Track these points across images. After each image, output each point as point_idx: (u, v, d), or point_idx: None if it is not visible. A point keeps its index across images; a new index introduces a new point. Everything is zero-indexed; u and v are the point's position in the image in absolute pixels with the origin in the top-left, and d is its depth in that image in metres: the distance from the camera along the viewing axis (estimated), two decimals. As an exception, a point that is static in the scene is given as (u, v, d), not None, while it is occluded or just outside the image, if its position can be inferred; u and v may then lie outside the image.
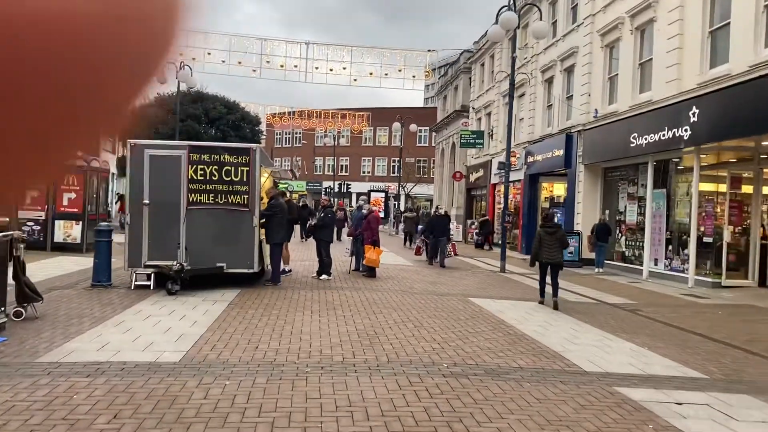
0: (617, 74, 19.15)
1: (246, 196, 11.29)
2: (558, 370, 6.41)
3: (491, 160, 31.43)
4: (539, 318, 9.80)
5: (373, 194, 43.83)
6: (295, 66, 24.83)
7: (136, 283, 11.06)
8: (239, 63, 24.56)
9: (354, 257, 15.19)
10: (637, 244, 18.32)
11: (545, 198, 25.67)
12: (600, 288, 14.61)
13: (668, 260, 16.63)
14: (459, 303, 10.86)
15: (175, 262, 10.46)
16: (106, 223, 12.09)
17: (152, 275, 11.04)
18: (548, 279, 11.26)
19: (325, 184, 65.52)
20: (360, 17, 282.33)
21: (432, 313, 9.55)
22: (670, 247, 16.61)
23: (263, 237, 12.02)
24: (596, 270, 18.45)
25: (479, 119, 35.15)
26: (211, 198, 11.24)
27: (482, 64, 35.00)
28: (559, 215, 24.18)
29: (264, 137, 72.75)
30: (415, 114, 53.49)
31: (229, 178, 11.27)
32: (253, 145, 11.52)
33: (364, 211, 14.86)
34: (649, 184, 17.29)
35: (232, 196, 11.29)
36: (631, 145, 17.31)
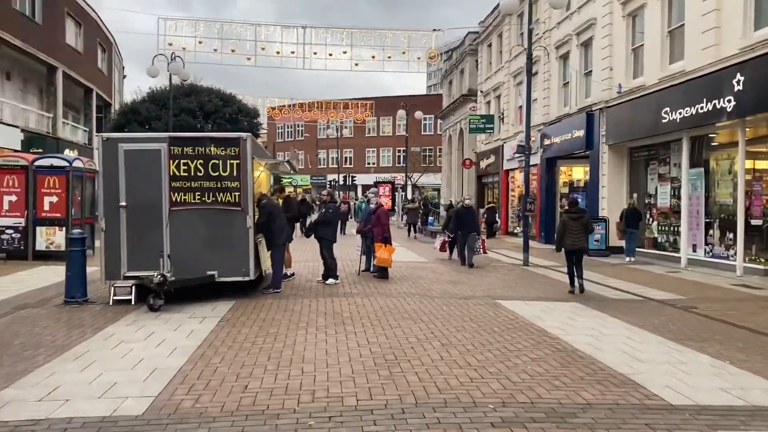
0: (642, 45, 17.52)
1: (237, 194, 9.82)
2: (637, 406, 4.92)
3: (503, 145, 29.87)
4: (584, 324, 8.31)
5: (380, 185, 42.33)
6: (292, 52, 23.23)
7: (115, 297, 9.63)
8: (232, 51, 22.99)
9: (364, 256, 13.74)
10: (672, 229, 16.77)
11: (564, 183, 24.08)
12: (638, 280, 13.10)
13: (709, 246, 15.09)
14: (487, 308, 9.38)
15: (156, 273, 9.02)
16: (78, 230, 10.65)
17: (133, 288, 9.63)
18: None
19: (330, 177, 64.09)
20: (357, 6, 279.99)
21: (459, 324, 8.07)
22: (711, 232, 15.06)
23: (260, 239, 10.55)
24: (627, 259, 16.94)
25: (488, 103, 33.56)
26: (197, 197, 9.78)
27: (489, 45, 33.35)
28: (580, 200, 22.66)
29: (265, 131, 71.38)
30: (419, 102, 51.91)
31: (217, 173, 9.80)
32: (243, 135, 10.02)
33: (372, 205, 13.37)
34: (684, 163, 15.71)
35: (222, 194, 9.82)
36: (663, 120, 15.73)
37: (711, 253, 14.97)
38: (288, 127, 72.49)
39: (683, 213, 15.80)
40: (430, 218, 30.59)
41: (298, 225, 14.45)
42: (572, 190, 23.43)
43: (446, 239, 17.32)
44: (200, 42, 22.89)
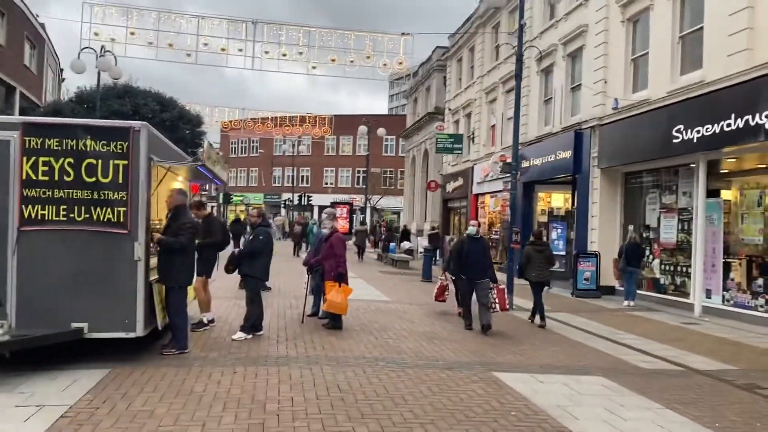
0: (646, 53, 15.10)
1: (122, 209, 6.69)
2: None
3: (472, 167, 27.31)
4: (639, 425, 5.42)
5: (337, 206, 39.17)
6: (240, 50, 20.20)
7: (-75, 360, 6.35)
8: (170, 45, 19.82)
9: (313, 296, 10.67)
10: (679, 269, 14.21)
11: (542, 210, 21.52)
12: (655, 336, 10.38)
13: (727, 292, 12.56)
14: (486, 389, 6.40)
15: (-26, 330, 5.76)
16: None
17: (-45, 346, 6.36)
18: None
19: (285, 196, 60.75)
20: (313, 20, 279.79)
21: (449, 426, 5.07)
22: (732, 276, 12.54)
23: (156, 276, 7.37)
24: (626, 303, 14.30)
25: (456, 122, 31.06)
26: (62, 212, 6.61)
27: (459, 60, 30.96)
28: (560, 231, 20.16)
29: (218, 144, 67.67)
30: (381, 121, 49.32)
31: (94, 179, 6.66)
32: (136, 124, 6.89)
33: (325, 231, 10.28)
34: (700, 192, 13.19)
35: (100, 209, 6.67)
36: (675, 141, 13.24)
37: (732, 302, 12.43)
38: (242, 143, 68.99)
39: (697, 251, 13.25)
40: (392, 244, 27.74)
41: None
42: (552, 218, 20.91)
43: (443, 283, 11.96)
44: (132, 33, 19.61)
